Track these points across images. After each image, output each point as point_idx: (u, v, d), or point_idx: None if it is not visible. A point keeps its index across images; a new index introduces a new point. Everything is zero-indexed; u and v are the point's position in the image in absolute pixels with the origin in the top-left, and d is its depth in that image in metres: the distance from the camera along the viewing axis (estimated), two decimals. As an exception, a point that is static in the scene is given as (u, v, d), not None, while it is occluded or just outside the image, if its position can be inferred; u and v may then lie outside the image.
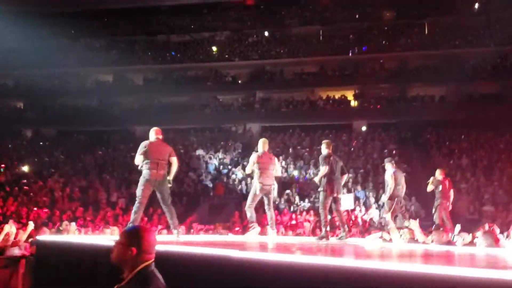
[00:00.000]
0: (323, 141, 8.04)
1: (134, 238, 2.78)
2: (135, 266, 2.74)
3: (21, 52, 28.80)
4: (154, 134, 7.19)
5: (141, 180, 7.00)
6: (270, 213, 7.83)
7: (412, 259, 4.71)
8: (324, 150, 7.82)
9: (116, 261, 2.79)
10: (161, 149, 7.09)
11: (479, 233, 6.38)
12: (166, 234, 10.44)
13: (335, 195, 7.63)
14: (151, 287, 2.67)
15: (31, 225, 8.75)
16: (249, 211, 7.71)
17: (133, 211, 6.98)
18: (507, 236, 6.35)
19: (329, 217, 8.03)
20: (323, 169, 7.57)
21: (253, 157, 7.75)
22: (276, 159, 7.97)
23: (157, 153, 7.00)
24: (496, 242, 5.71)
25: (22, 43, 28.61)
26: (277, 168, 7.89)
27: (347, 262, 3.59)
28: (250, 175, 7.95)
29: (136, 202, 6.99)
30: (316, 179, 7.79)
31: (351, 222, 15.50)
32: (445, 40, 27.82)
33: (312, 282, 3.39)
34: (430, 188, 10.51)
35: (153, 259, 2.82)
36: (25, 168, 23.28)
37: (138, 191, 7.00)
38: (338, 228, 10.82)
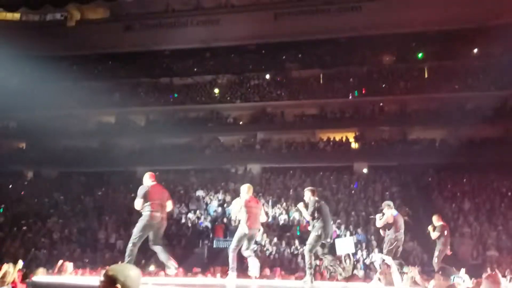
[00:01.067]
0: (307, 189, 8.01)
1: (117, 276, 2.76)
2: None
3: (24, 94, 29.19)
4: (149, 177, 7.21)
5: (141, 222, 6.92)
6: (251, 257, 7.67)
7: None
8: (311, 196, 7.77)
9: None
10: (161, 192, 7.09)
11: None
12: (163, 276, 10.25)
13: (328, 239, 7.52)
14: None
15: (19, 264, 8.57)
16: (232, 255, 7.54)
17: (126, 254, 6.84)
18: (510, 280, 6.21)
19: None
20: (310, 214, 7.54)
21: (240, 201, 7.58)
22: (261, 204, 7.88)
23: (158, 196, 6.98)
24: (497, 286, 5.59)
25: (26, 85, 29.09)
26: (262, 213, 7.80)
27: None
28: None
29: (130, 245, 6.86)
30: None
31: (353, 266, 15.23)
32: (445, 84, 28.12)
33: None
34: (435, 235, 10.24)
35: None
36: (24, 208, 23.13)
37: (136, 233, 6.89)
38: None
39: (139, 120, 32.01)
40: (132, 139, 30.38)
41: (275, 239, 18.70)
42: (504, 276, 7.93)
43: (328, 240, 7.53)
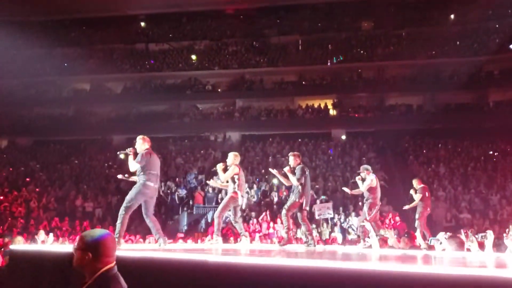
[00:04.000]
0: (292, 154, 7.98)
1: (89, 242, 2.75)
2: (95, 271, 2.71)
3: (-3, 61, 28.30)
4: (147, 143, 6.84)
5: (135, 190, 6.63)
6: (240, 223, 7.88)
7: (388, 261, 4.70)
8: (297, 161, 7.78)
9: (76, 267, 2.75)
10: (158, 162, 6.87)
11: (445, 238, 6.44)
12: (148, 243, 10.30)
13: (305, 206, 7.60)
14: None
15: None
16: (217, 220, 7.58)
17: (119, 221, 6.53)
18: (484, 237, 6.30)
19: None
20: (298, 179, 7.57)
21: (234, 168, 7.60)
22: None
23: (156, 167, 6.76)
24: (461, 245, 5.78)
25: (-1, 52, 28.14)
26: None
27: (324, 264, 3.55)
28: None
29: (122, 211, 6.55)
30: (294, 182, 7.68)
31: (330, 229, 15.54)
32: (422, 50, 28.27)
33: (290, 283, 3.35)
34: (418, 197, 10.38)
35: (113, 263, 2.78)
36: None
37: (128, 200, 6.59)
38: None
39: (115, 87, 31.43)
40: (108, 106, 29.92)
41: (254, 205, 18.89)
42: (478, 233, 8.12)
43: (307, 208, 7.61)
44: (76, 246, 2.79)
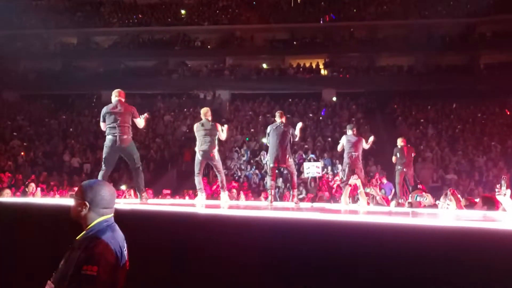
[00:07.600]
0: (276, 112, 8.07)
1: (86, 192, 2.75)
2: (91, 221, 2.72)
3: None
4: (114, 96, 6.95)
5: (104, 146, 6.87)
6: (220, 177, 7.90)
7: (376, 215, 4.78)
8: (278, 119, 7.84)
9: (73, 217, 2.77)
10: (122, 112, 6.83)
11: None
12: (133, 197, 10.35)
13: (272, 164, 7.64)
14: (101, 239, 2.62)
15: None
16: (196, 179, 7.79)
17: (98, 178, 6.83)
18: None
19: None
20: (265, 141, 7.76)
21: (195, 126, 7.89)
22: (219, 126, 7.92)
23: (118, 116, 6.76)
24: (458, 203, 5.92)
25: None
26: (220, 134, 7.86)
27: (307, 215, 3.60)
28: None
29: (101, 168, 6.88)
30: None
31: (318, 188, 15.70)
32: (415, 10, 27.89)
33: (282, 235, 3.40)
34: (393, 159, 10.88)
35: (110, 214, 2.80)
36: None
37: (103, 157, 6.89)
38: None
39: (103, 41, 30.77)
40: (95, 61, 29.39)
41: (244, 164, 19.01)
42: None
43: (272, 165, 7.62)
44: (74, 196, 2.80)
